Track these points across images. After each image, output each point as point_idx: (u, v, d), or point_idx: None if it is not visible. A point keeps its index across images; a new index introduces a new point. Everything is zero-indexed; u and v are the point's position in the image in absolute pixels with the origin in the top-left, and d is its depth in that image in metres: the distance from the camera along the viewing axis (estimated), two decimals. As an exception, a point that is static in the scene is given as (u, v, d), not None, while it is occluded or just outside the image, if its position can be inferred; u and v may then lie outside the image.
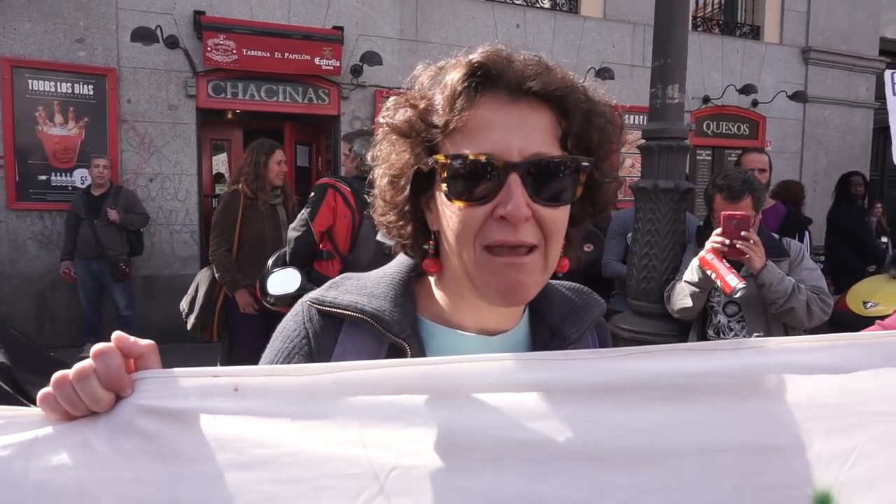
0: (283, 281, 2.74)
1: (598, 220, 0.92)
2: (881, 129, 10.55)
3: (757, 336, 2.72)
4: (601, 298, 1.02)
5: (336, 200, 3.52)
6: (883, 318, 4.43)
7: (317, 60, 7.31)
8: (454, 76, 0.77)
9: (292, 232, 3.52)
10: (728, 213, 2.62)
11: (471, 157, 0.74)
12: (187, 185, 7.26)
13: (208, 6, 7.10)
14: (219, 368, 0.67)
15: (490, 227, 0.74)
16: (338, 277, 0.91)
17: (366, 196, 3.63)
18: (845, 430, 0.68)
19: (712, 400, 0.67)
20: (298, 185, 7.81)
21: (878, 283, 4.68)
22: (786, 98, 9.72)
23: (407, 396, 0.64)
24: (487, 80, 0.76)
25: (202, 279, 4.30)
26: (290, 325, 0.88)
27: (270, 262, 3.64)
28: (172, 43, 6.73)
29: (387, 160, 0.84)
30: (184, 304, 4.37)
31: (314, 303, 0.87)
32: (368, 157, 0.88)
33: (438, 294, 0.88)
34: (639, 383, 0.66)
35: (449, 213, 0.78)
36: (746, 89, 9.41)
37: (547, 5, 9.01)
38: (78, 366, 0.65)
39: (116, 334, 0.68)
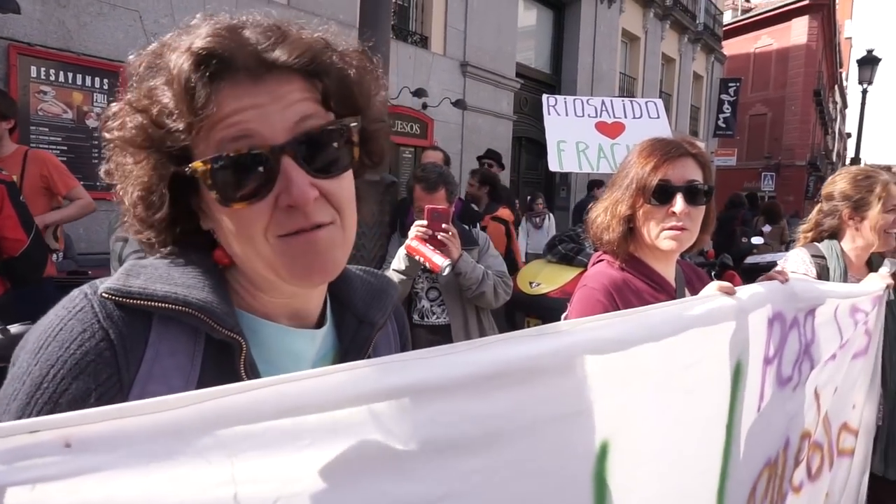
0: None
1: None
2: (517, 139, 12.80)
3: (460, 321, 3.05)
4: (394, 280, 1.02)
5: None
6: (546, 294, 5.29)
7: (-83, -5, 5.57)
8: (181, 66, 0.65)
9: None
10: (431, 206, 2.85)
11: (232, 155, 0.66)
12: None
13: None
14: (37, 420, 0.46)
15: (278, 217, 0.68)
16: (127, 265, 0.72)
17: None
18: (622, 389, 0.84)
19: (542, 379, 0.74)
20: None
21: (538, 266, 5.70)
22: (450, 104, 11.02)
23: (288, 420, 0.55)
24: (221, 64, 0.66)
25: None
26: (72, 327, 0.64)
27: None
28: None
29: (129, 175, 0.71)
30: None
31: (113, 294, 0.66)
32: None
33: (241, 284, 0.78)
34: (491, 372, 0.68)
35: (228, 218, 0.70)
36: (418, 93, 10.37)
37: (228, -19, 8.50)
38: None
39: None
